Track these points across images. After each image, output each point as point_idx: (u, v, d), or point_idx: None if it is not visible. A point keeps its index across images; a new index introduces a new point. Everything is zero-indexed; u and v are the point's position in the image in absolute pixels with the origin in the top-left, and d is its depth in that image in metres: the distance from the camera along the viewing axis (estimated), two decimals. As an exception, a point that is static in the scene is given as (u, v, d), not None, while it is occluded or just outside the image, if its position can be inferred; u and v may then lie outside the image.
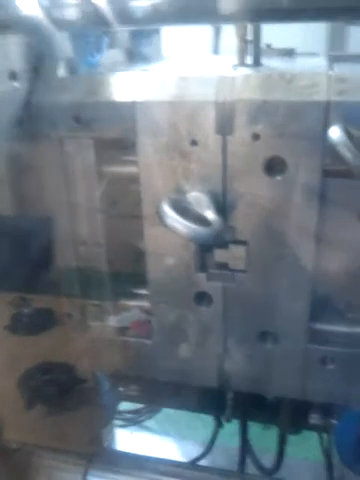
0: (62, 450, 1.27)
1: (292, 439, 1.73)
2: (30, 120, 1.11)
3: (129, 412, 2.63)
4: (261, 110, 1.00)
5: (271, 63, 1.20)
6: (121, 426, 2.51)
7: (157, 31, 1.52)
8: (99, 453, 1.28)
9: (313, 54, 1.36)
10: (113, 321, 1.40)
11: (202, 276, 1.20)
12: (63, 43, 1.12)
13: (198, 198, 1.08)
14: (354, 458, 1.34)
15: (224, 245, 1.16)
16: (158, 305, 1.28)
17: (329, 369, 1.22)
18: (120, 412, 2.39)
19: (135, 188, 1.15)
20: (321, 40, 2.39)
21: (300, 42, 1.58)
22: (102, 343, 1.41)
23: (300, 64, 1.27)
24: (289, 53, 1.32)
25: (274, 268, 1.15)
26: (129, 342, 1.37)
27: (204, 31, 1.75)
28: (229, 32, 1.62)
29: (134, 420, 2.72)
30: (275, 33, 1.42)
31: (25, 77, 1.11)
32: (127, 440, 2.45)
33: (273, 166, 1.05)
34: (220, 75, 1.04)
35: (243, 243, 1.14)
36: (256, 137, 1.02)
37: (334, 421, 1.40)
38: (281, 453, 1.71)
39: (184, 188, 1.10)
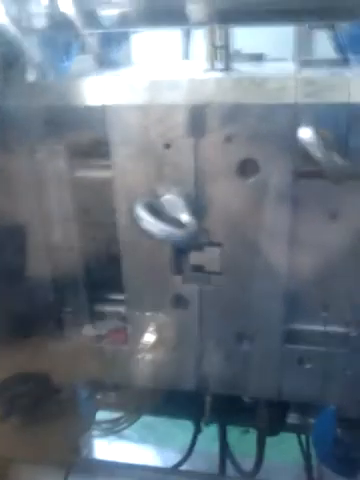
0: (40, 461, 1.24)
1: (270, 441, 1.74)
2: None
3: (106, 422, 2.59)
4: (232, 113, 1.02)
5: (241, 67, 1.22)
6: (99, 436, 2.48)
7: (126, 37, 1.52)
8: (78, 462, 1.26)
9: (281, 59, 1.39)
10: (89, 330, 1.39)
11: (178, 279, 1.20)
12: (32, 49, 1.11)
13: (172, 201, 1.09)
14: (332, 456, 1.35)
15: (199, 247, 1.16)
16: (134, 309, 1.27)
17: (306, 368, 1.23)
18: (97, 422, 2.35)
19: (109, 193, 1.15)
20: (288, 46, 2.43)
21: (268, 48, 1.60)
22: (78, 352, 1.39)
23: (269, 68, 1.29)
24: (258, 58, 1.34)
25: (249, 269, 1.16)
26: (105, 349, 1.36)
27: (173, 37, 1.76)
28: (199, 38, 1.64)
29: (112, 429, 2.68)
30: (244, 39, 1.44)
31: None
32: (105, 450, 2.42)
33: (246, 168, 1.06)
34: (191, 79, 1.05)
35: (218, 245, 1.15)
36: (228, 139, 1.04)
37: (312, 420, 1.41)
38: (260, 456, 1.71)
39: (158, 191, 1.10)
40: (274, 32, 2.31)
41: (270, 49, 1.61)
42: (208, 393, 1.46)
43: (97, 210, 1.21)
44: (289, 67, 1.21)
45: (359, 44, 1.07)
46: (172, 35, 1.79)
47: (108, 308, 1.35)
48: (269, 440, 1.70)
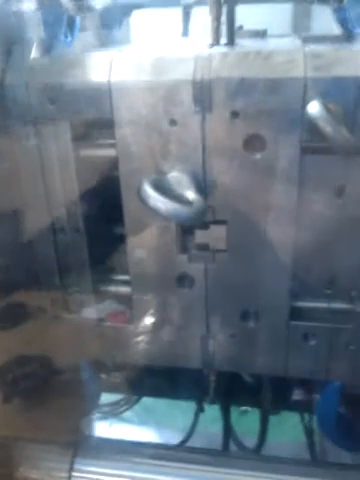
0: (47, 441, 1.25)
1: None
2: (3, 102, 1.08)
3: (107, 404, 2.61)
4: (239, 87, 1.01)
5: (245, 43, 1.21)
6: (99, 418, 2.49)
7: (127, 14, 1.50)
8: (84, 441, 1.27)
9: (284, 35, 1.37)
10: (88, 313, 1.39)
11: (183, 258, 1.20)
12: (35, 24, 1.09)
13: (178, 178, 1.08)
14: (336, 430, 1.37)
15: (205, 225, 1.16)
16: (139, 289, 1.27)
17: (311, 345, 1.24)
18: (98, 405, 2.37)
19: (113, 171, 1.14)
20: (286, 23, 2.41)
21: (266, 25, 1.58)
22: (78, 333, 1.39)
23: (274, 43, 1.27)
24: (261, 34, 1.33)
25: (254, 247, 1.16)
26: (106, 330, 1.36)
27: (173, 16, 1.73)
28: (199, 16, 1.61)
29: (112, 412, 2.70)
30: (242, 16, 1.42)
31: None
32: (106, 432, 2.44)
33: (252, 144, 1.05)
34: (197, 54, 1.04)
35: (223, 223, 1.15)
36: (235, 115, 1.03)
37: (316, 396, 1.43)
38: (263, 434, 1.73)
39: (164, 168, 1.09)
40: (272, 9, 2.28)
41: (268, 27, 1.59)
42: (214, 372, 1.47)
43: (102, 189, 1.19)
44: (294, 42, 1.19)
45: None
46: (171, 14, 1.76)
47: (112, 288, 1.35)
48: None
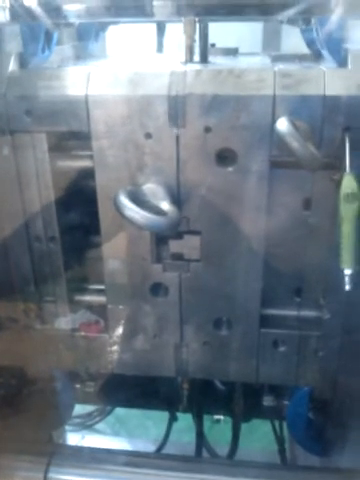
0: (20, 449, 1.25)
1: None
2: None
3: (79, 416, 2.60)
4: (212, 104, 1.05)
5: (217, 61, 1.25)
6: (72, 431, 2.48)
7: (103, 29, 1.54)
8: (58, 450, 1.27)
9: (255, 53, 1.43)
10: (61, 323, 1.40)
11: (158, 267, 1.23)
12: (13, 38, 1.11)
13: (153, 189, 1.11)
14: (306, 435, 1.41)
15: (179, 236, 1.19)
16: (113, 298, 1.29)
17: (280, 351, 1.28)
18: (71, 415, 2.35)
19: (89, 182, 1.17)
20: (257, 42, 2.50)
21: (236, 43, 1.64)
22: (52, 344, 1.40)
23: (245, 62, 1.33)
24: (233, 52, 1.38)
25: (227, 256, 1.20)
26: (80, 340, 1.37)
27: (147, 30, 1.78)
28: (172, 32, 1.66)
29: (85, 424, 2.69)
30: (215, 34, 1.48)
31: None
32: (79, 444, 2.43)
33: (224, 157, 1.09)
34: (172, 70, 1.07)
35: (197, 233, 1.18)
36: (208, 130, 1.07)
37: (285, 403, 1.47)
38: (235, 442, 1.75)
39: (139, 180, 1.12)
40: (243, 28, 2.36)
41: (239, 45, 1.66)
42: (186, 380, 1.49)
43: (78, 199, 1.21)
44: (264, 61, 1.25)
45: (334, 40, 1.12)
46: (146, 29, 1.81)
47: (87, 298, 1.36)
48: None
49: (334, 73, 1.03)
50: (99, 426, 2.80)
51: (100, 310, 1.35)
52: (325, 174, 1.09)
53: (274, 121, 1.02)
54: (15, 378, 1.54)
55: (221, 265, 1.21)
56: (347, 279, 1.04)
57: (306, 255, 1.20)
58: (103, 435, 2.72)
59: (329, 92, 1.00)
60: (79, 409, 2.36)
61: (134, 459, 1.23)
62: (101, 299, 1.33)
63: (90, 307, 1.37)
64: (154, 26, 1.73)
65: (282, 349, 1.28)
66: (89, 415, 2.66)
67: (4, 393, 1.55)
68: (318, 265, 1.21)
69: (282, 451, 1.78)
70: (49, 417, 1.55)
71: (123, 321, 1.32)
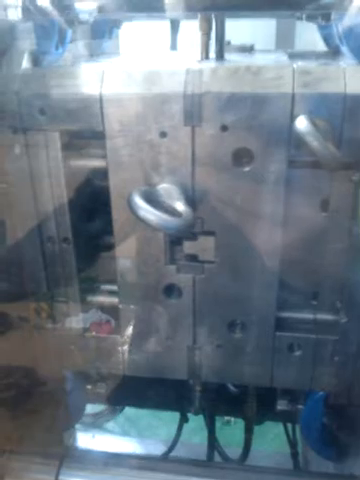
0: (32, 452, 1.24)
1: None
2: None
3: (90, 415, 2.60)
4: (229, 102, 1.02)
5: (233, 58, 1.23)
6: (82, 430, 2.47)
7: (117, 26, 1.52)
8: (70, 452, 1.26)
9: (271, 51, 1.40)
10: (73, 323, 1.39)
11: (172, 268, 1.21)
12: (26, 35, 1.10)
13: (168, 189, 1.09)
14: (320, 440, 1.39)
15: (193, 237, 1.17)
16: (127, 299, 1.27)
17: (296, 355, 1.26)
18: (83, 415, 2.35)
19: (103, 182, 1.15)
20: (271, 39, 2.46)
21: (250, 41, 1.62)
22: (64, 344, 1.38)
23: (261, 59, 1.30)
24: (249, 49, 1.35)
25: (242, 258, 1.18)
26: (91, 341, 1.36)
27: (161, 28, 1.76)
28: (186, 30, 1.64)
29: (95, 423, 2.69)
30: (227, 32, 1.45)
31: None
32: (89, 443, 2.42)
33: (241, 157, 1.07)
34: (188, 68, 1.05)
35: (212, 234, 1.16)
36: (224, 128, 1.04)
37: (300, 406, 1.44)
38: (248, 444, 1.73)
39: (154, 180, 1.10)
40: (257, 25, 2.33)
41: (253, 42, 1.63)
42: (200, 382, 1.47)
43: (91, 199, 1.20)
44: (281, 58, 1.22)
45: (356, 36, 1.09)
46: (159, 27, 1.79)
47: (99, 298, 1.35)
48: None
49: (355, 70, 1.00)
50: (109, 425, 2.80)
51: (112, 311, 1.34)
52: (344, 174, 1.06)
53: (293, 120, 1.00)
54: (26, 378, 1.53)
55: (236, 267, 1.19)
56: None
57: (323, 257, 1.17)
58: (113, 434, 2.71)
59: (350, 90, 0.97)
60: (89, 408, 2.35)
61: (144, 463, 1.22)
62: (113, 300, 1.31)
63: (102, 308, 1.36)
64: (167, 24, 1.70)
65: (297, 353, 1.26)
66: (99, 414, 2.66)
67: (15, 393, 1.54)
68: (335, 268, 1.18)
69: (295, 455, 1.75)
70: (60, 417, 1.53)
71: (135, 322, 1.30)
